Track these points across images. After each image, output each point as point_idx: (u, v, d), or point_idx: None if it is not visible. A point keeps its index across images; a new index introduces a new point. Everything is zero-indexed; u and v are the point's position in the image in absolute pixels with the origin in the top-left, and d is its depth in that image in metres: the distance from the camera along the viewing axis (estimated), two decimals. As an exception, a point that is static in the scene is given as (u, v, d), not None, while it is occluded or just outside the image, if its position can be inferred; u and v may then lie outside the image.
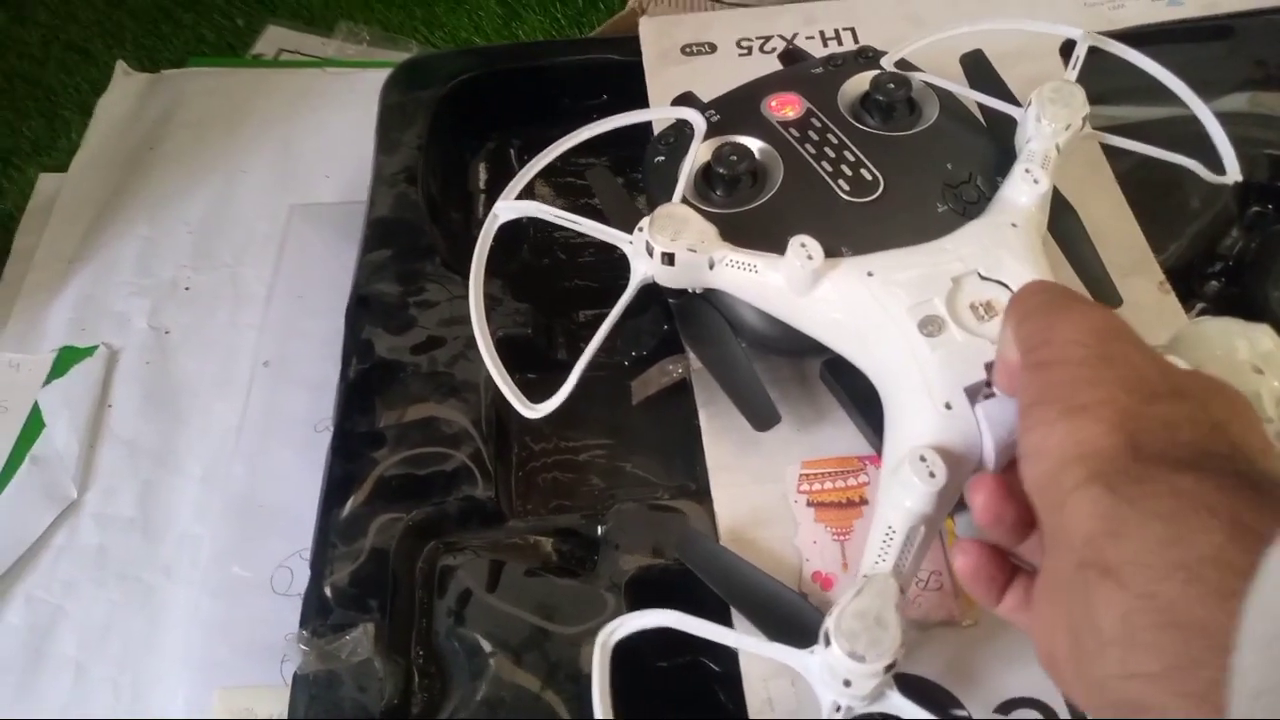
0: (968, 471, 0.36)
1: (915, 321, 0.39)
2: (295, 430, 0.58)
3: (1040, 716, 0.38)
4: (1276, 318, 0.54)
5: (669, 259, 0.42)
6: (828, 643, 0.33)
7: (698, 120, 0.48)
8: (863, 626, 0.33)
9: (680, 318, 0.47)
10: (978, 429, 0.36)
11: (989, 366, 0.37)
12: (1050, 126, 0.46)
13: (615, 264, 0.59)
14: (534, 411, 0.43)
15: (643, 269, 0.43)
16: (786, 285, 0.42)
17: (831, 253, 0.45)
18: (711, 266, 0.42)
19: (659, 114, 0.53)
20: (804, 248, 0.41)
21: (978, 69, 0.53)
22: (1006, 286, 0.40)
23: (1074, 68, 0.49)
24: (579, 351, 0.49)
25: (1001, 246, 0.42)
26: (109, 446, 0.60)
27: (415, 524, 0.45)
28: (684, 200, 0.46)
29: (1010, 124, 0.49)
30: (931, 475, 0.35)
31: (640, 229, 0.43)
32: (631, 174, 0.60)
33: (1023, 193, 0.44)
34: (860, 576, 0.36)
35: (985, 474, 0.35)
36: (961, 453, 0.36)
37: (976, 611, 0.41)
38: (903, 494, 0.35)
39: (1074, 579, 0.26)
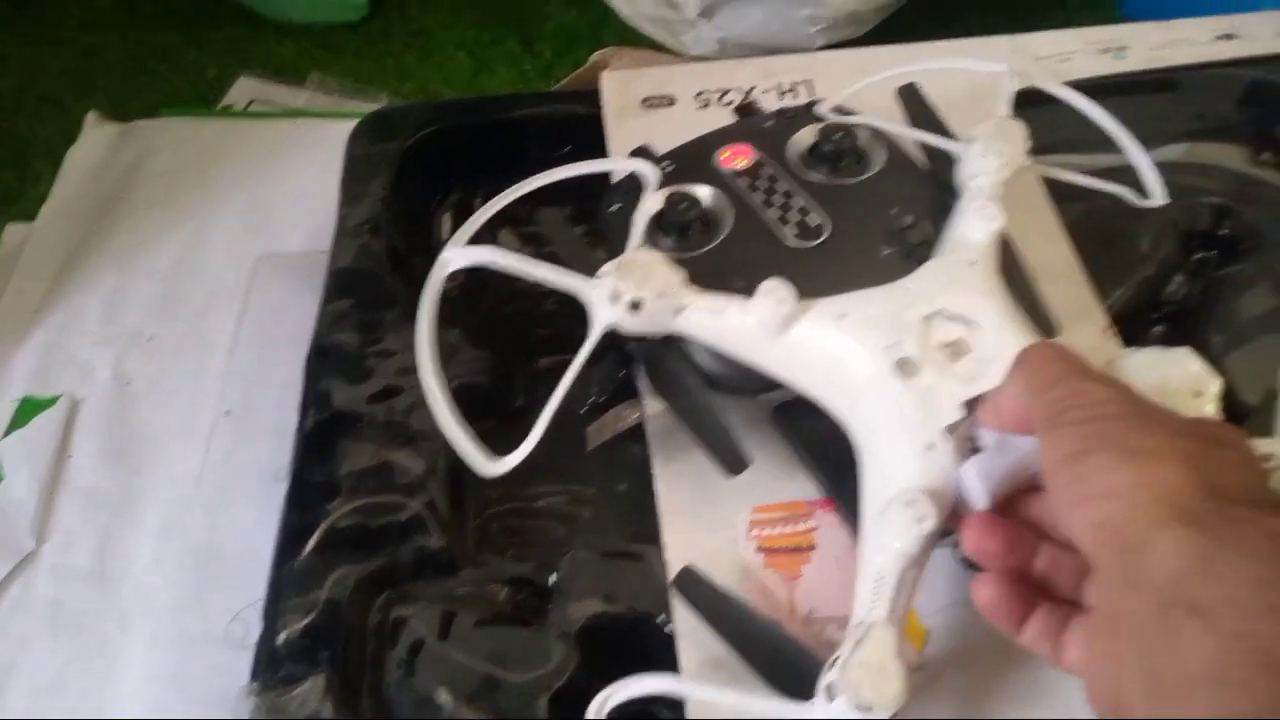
0: (949, 508, 0.37)
1: (890, 363, 0.40)
2: (256, 480, 0.58)
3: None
4: (1219, 361, 0.55)
5: (636, 305, 0.42)
6: (832, 696, 0.33)
7: (648, 171, 0.49)
8: (867, 676, 0.33)
9: (644, 364, 0.47)
10: (964, 480, 0.37)
11: (970, 404, 0.38)
12: (995, 162, 0.47)
13: (578, 310, 0.60)
14: (493, 468, 0.42)
15: (605, 316, 0.43)
16: (757, 329, 0.42)
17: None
18: (678, 312, 0.43)
19: (610, 165, 0.54)
20: (775, 291, 0.41)
21: (913, 102, 0.55)
22: (974, 324, 0.41)
23: (1007, 104, 0.50)
24: (540, 399, 0.49)
25: (963, 285, 0.43)
26: (68, 497, 0.60)
27: (368, 576, 0.45)
28: (623, 249, 0.47)
29: (945, 157, 0.50)
30: (922, 519, 0.35)
31: (601, 275, 0.43)
32: (590, 224, 0.61)
33: (977, 230, 0.45)
34: (856, 625, 0.36)
35: (974, 514, 0.36)
36: (945, 492, 0.37)
37: (920, 655, 0.41)
38: (892, 538, 0.36)
39: (1155, 618, 0.26)
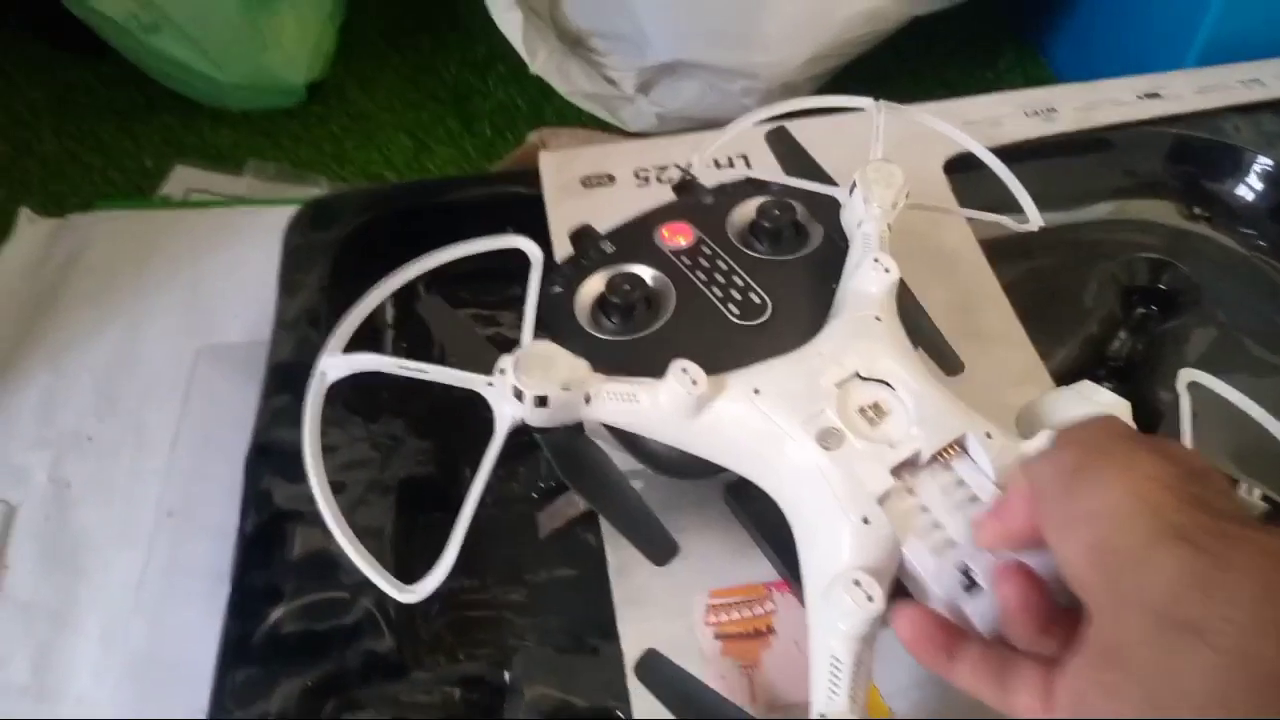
0: (893, 581, 0.36)
1: (813, 436, 0.39)
2: (200, 582, 0.56)
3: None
4: (1165, 417, 0.56)
5: (542, 401, 0.40)
6: None
7: (533, 251, 0.47)
8: None
9: (555, 455, 0.43)
10: (964, 613, 0.35)
11: (896, 471, 0.37)
12: (879, 208, 0.47)
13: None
14: (409, 595, 0.39)
15: (509, 413, 0.40)
16: (671, 412, 0.40)
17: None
18: (588, 401, 0.41)
19: (489, 245, 0.49)
20: (685, 372, 0.40)
21: (784, 145, 0.55)
22: (889, 384, 0.40)
23: (876, 141, 0.51)
24: (487, 486, 0.49)
25: (872, 342, 0.42)
26: (4, 611, 0.57)
27: (315, 684, 0.43)
28: (564, 332, 0.46)
29: (827, 200, 0.51)
30: (870, 599, 0.34)
31: (501, 370, 0.40)
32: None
33: (873, 282, 0.44)
34: (816, 719, 0.34)
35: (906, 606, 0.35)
36: (888, 566, 0.36)
37: None
38: (840, 620, 0.35)
39: (1152, 640, 0.26)
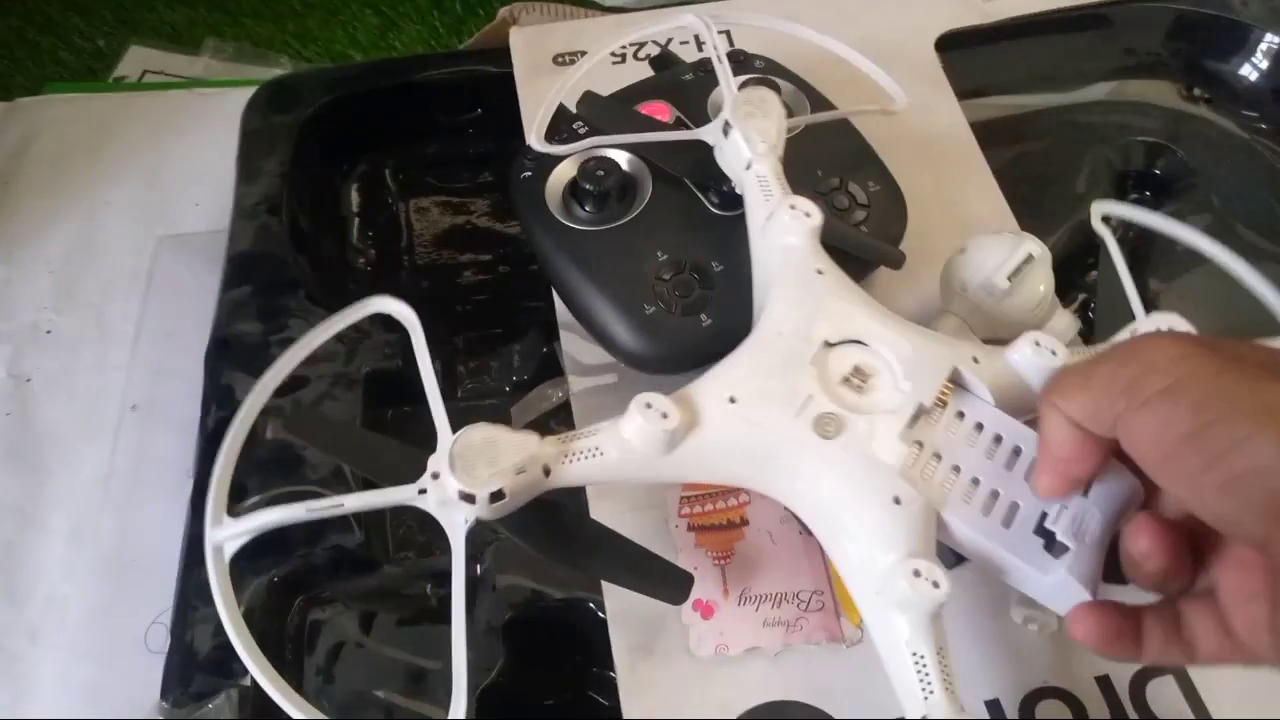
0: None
1: (809, 428, 0.35)
2: (167, 477, 0.55)
3: (926, 738, 0.38)
4: (1155, 303, 0.54)
5: (498, 495, 0.34)
6: None
7: (408, 316, 0.39)
8: None
9: (525, 537, 0.37)
10: (1057, 594, 0.33)
11: (904, 435, 0.34)
12: (763, 144, 0.42)
13: (501, 285, 0.58)
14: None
15: (461, 519, 0.34)
16: (645, 452, 0.35)
17: (703, 268, 0.44)
18: (548, 473, 0.35)
19: (355, 315, 0.39)
20: (651, 407, 0.34)
21: (594, 110, 0.49)
22: (860, 342, 0.37)
23: (720, 63, 0.46)
24: (459, 379, 0.47)
25: (828, 303, 0.38)
26: (-33, 508, 0.56)
27: (282, 580, 0.43)
28: (535, 220, 0.43)
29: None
30: (935, 585, 0.32)
31: (434, 475, 0.34)
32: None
33: (795, 232, 0.40)
34: None
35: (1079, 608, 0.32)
36: (931, 541, 0.34)
37: (859, 631, 0.40)
38: (910, 616, 0.32)
39: None
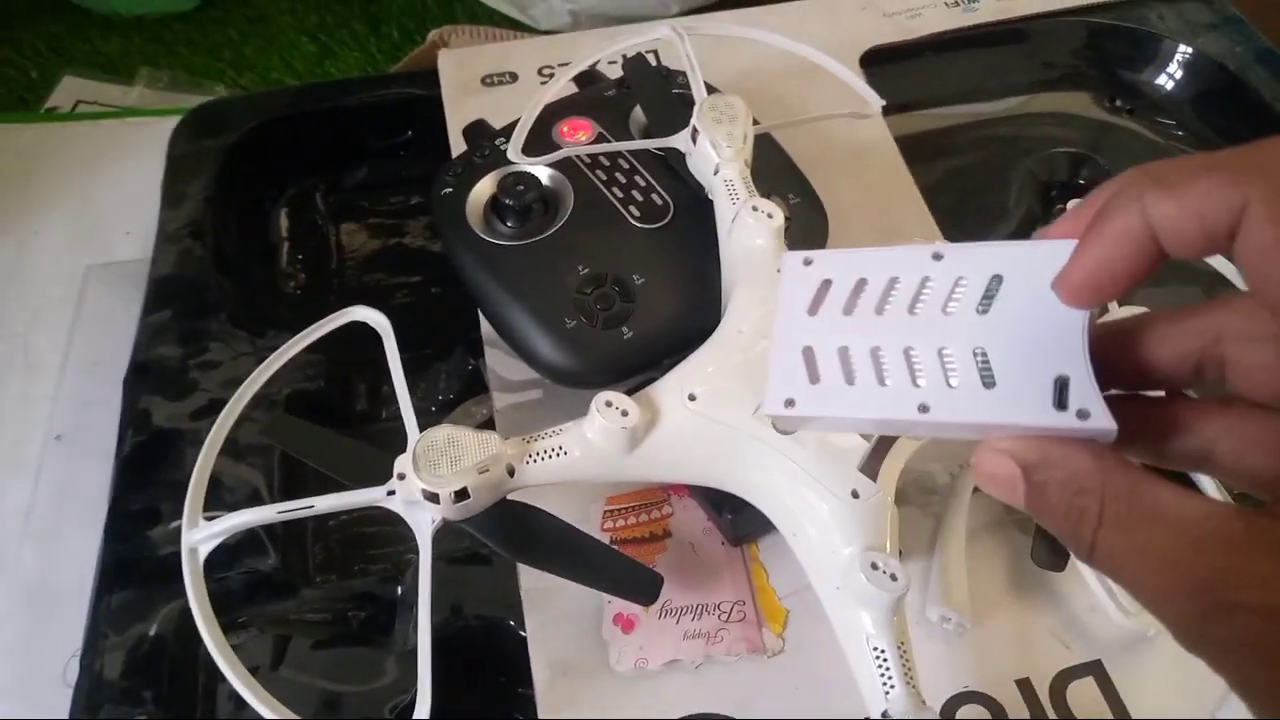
0: (896, 546, 0.34)
1: (767, 423, 0.35)
2: (90, 508, 0.54)
3: (845, 745, 0.37)
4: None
5: (462, 494, 0.34)
6: None
7: (380, 322, 0.41)
8: None
9: (492, 538, 0.37)
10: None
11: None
12: (729, 149, 0.44)
13: (432, 305, 0.57)
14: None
15: (428, 519, 0.35)
16: (608, 450, 0.36)
17: (624, 281, 0.44)
18: (512, 474, 0.36)
19: (333, 324, 0.42)
20: (611, 405, 0.35)
21: (640, 75, 0.52)
22: None
23: (693, 71, 0.47)
24: (382, 401, 0.46)
25: None
26: (-113, 543, 0.55)
27: (195, 604, 0.42)
28: (455, 236, 0.43)
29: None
30: (894, 578, 0.32)
31: (400, 476, 0.35)
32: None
33: (759, 234, 0.40)
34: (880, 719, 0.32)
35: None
36: (890, 534, 0.34)
37: (781, 641, 0.40)
38: (869, 610, 0.32)
39: None
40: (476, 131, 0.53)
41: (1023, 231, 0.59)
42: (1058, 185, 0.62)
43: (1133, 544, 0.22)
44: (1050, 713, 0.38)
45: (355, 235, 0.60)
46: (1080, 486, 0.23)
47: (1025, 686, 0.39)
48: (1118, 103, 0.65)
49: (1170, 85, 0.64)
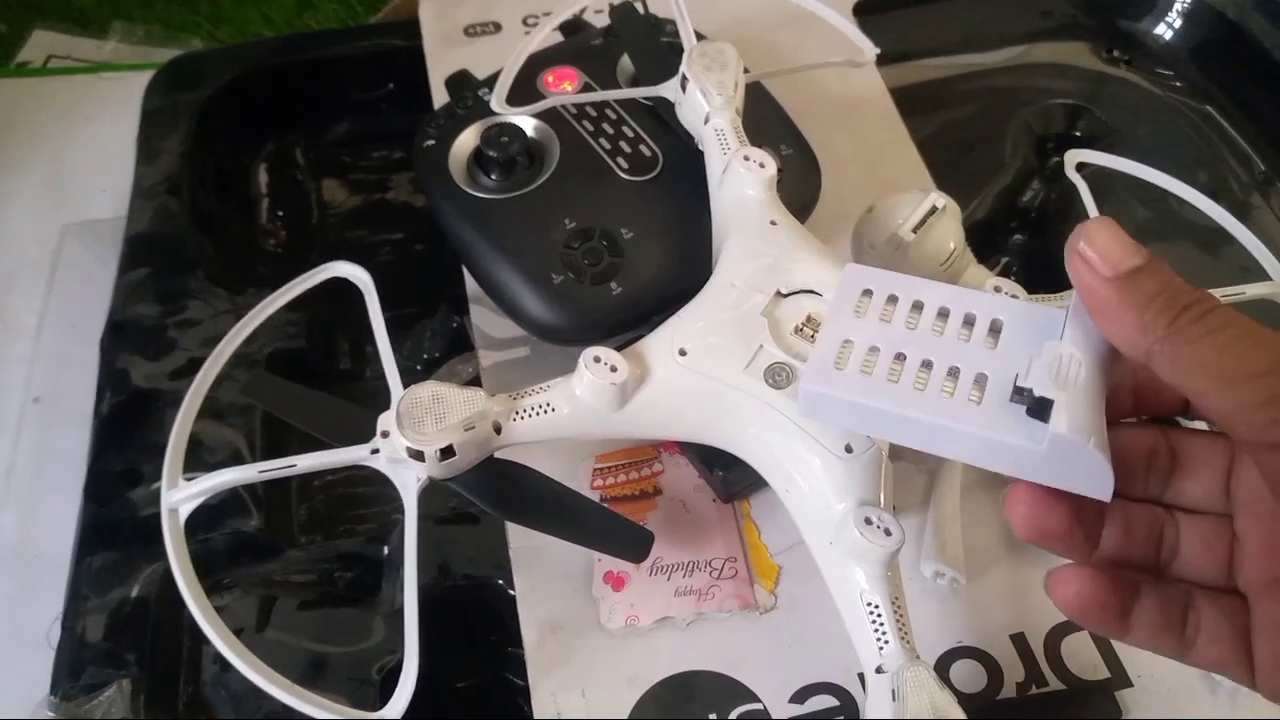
0: (889, 497, 0.33)
1: (760, 378, 0.34)
2: (70, 470, 0.53)
3: (836, 702, 0.37)
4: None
5: (447, 451, 0.34)
6: None
7: (362, 278, 0.40)
8: None
9: (480, 496, 0.36)
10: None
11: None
12: (720, 97, 0.42)
13: (416, 263, 0.56)
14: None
15: (413, 477, 0.34)
16: (596, 407, 0.35)
17: (612, 236, 0.43)
18: (499, 430, 0.35)
19: (314, 280, 0.41)
20: (599, 361, 0.34)
21: (627, 23, 0.50)
22: (814, 293, 0.35)
23: (683, 20, 0.46)
24: (368, 360, 0.45)
25: (781, 252, 0.37)
26: None
27: (178, 565, 0.41)
28: (438, 190, 0.42)
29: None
30: (888, 533, 0.31)
31: (384, 434, 0.34)
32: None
33: (751, 184, 0.39)
34: (874, 674, 0.31)
35: (1019, 484, 0.28)
36: (880, 489, 0.33)
37: (773, 598, 0.39)
38: (863, 565, 0.32)
39: None
40: (459, 83, 0.52)
41: (1018, 182, 0.58)
42: (1054, 137, 0.60)
43: (1206, 328, 0.24)
44: (1045, 668, 0.38)
45: (336, 191, 0.59)
46: (1172, 283, 0.25)
47: (1020, 641, 0.39)
48: (1115, 53, 0.64)
49: (1169, 35, 0.63)
